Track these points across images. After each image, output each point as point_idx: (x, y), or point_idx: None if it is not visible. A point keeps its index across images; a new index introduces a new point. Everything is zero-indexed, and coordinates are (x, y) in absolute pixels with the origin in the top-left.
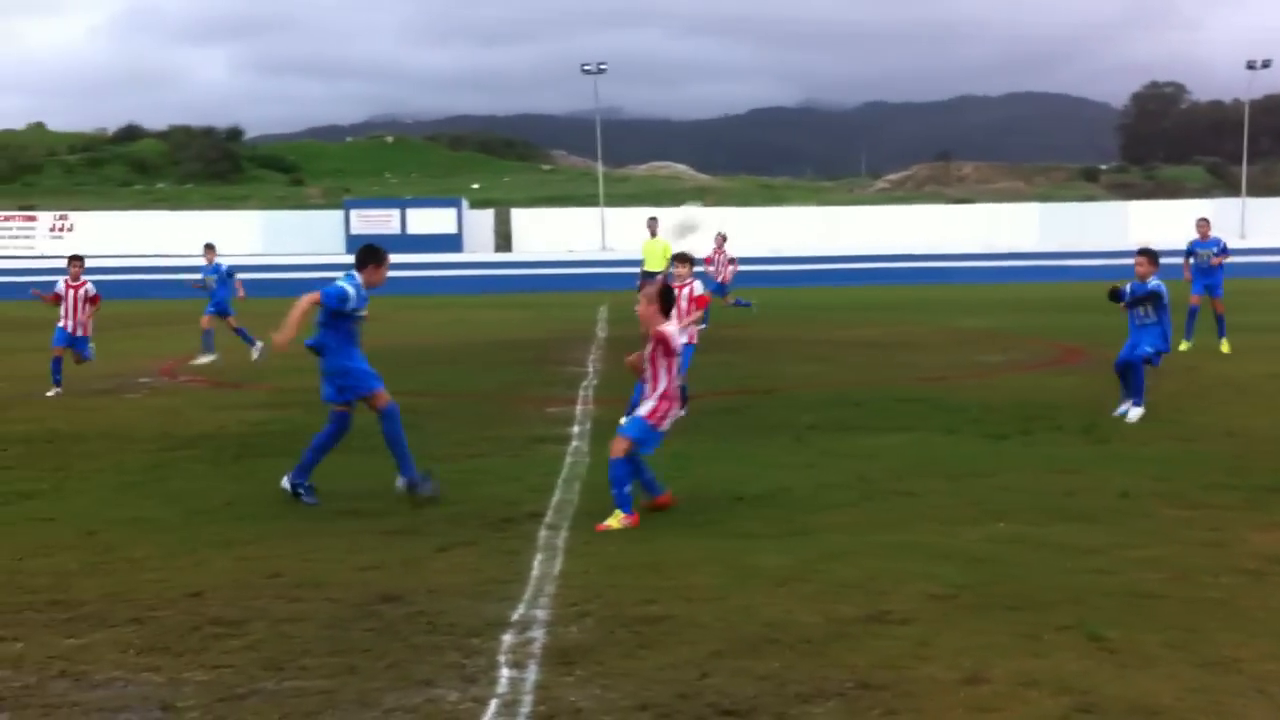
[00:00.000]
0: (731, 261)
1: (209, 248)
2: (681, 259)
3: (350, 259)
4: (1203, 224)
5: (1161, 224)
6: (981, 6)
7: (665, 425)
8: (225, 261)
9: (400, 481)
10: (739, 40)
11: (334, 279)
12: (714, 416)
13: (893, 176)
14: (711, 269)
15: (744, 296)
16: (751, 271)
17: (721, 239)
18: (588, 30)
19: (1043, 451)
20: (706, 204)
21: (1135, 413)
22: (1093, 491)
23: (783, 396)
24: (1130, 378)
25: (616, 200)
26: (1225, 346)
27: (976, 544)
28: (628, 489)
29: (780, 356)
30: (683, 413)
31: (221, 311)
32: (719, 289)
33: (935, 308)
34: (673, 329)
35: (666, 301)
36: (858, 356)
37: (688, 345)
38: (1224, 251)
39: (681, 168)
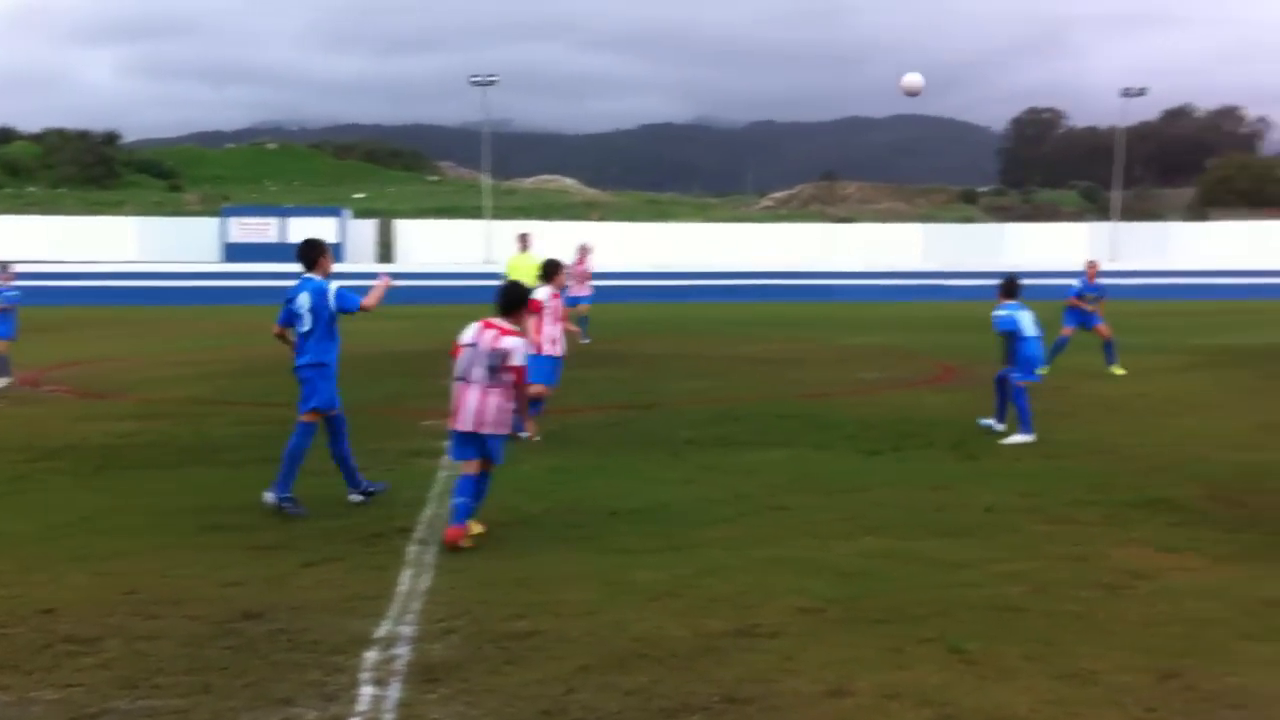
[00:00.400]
0: (586, 276)
1: (4, 267)
2: (551, 269)
3: (228, 267)
4: (1091, 266)
5: (1036, 246)
6: (874, 31)
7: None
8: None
9: (271, 496)
10: (636, 56)
11: (206, 287)
12: (594, 431)
13: (778, 195)
14: (570, 282)
15: (588, 324)
16: (637, 287)
17: (584, 251)
18: (488, 42)
19: (915, 467)
20: (593, 219)
21: (1016, 439)
22: (961, 507)
23: (665, 412)
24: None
25: (504, 213)
26: (1118, 369)
27: (847, 558)
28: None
29: (664, 372)
30: (525, 435)
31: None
32: (572, 301)
33: (818, 325)
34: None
35: (506, 302)
36: (741, 372)
37: (551, 357)
38: (1102, 296)
39: (570, 182)
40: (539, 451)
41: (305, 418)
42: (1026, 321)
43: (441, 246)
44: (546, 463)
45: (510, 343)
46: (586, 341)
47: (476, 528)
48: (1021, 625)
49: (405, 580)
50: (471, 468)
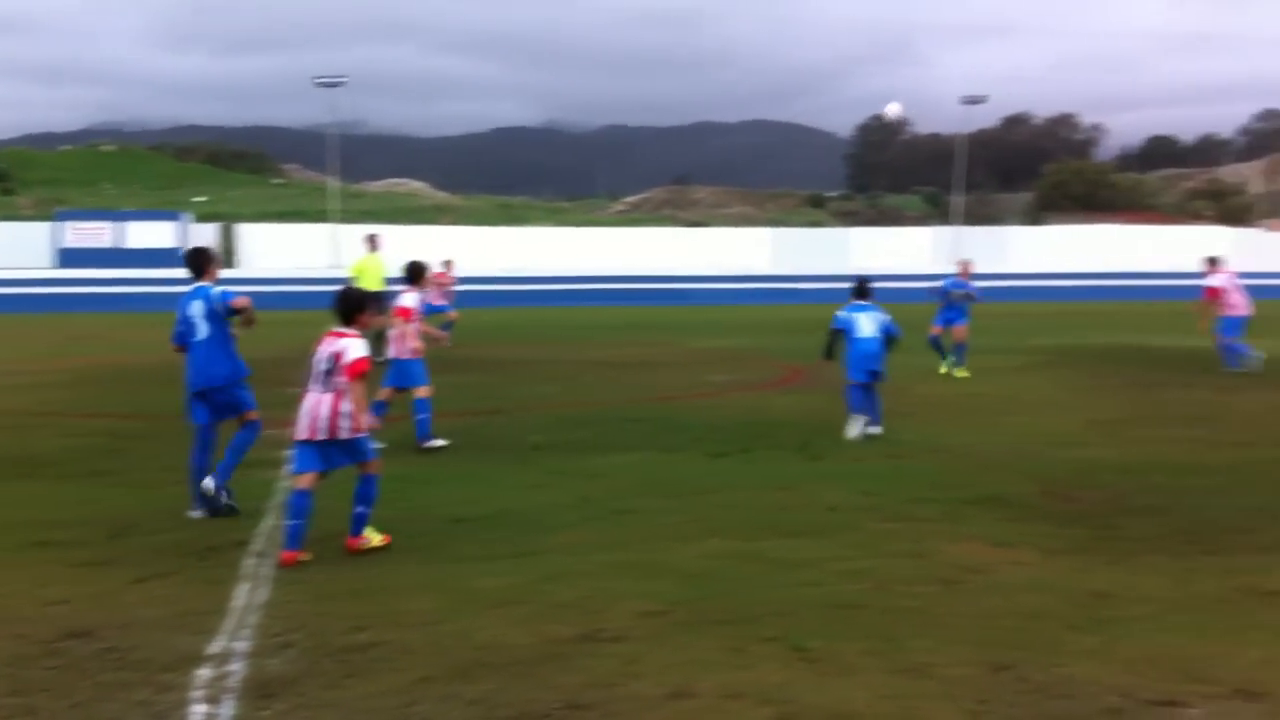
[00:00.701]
0: (447, 288)
1: None
2: (416, 271)
3: (62, 274)
4: (965, 264)
5: (882, 250)
6: (726, 38)
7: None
8: None
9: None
10: (487, 59)
11: (54, 293)
12: (443, 437)
13: (630, 199)
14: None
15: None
16: (489, 291)
17: (450, 265)
18: (337, 43)
19: (760, 469)
20: (444, 223)
21: (858, 431)
22: (805, 507)
23: (513, 417)
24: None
25: (352, 216)
26: (960, 372)
27: (692, 560)
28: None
29: (514, 377)
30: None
31: None
32: (429, 309)
33: (669, 329)
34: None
35: (344, 309)
36: (591, 377)
37: (407, 360)
38: (972, 297)
39: (420, 185)
40: (394, 459)
41: (253, 416)
42: (862, 323)
43: (286, 251)
44: (389, 470)
45: (343, 343)
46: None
47: (377, 538)
48: (861, 622)
49: (241, 594)
50: (306, 481)
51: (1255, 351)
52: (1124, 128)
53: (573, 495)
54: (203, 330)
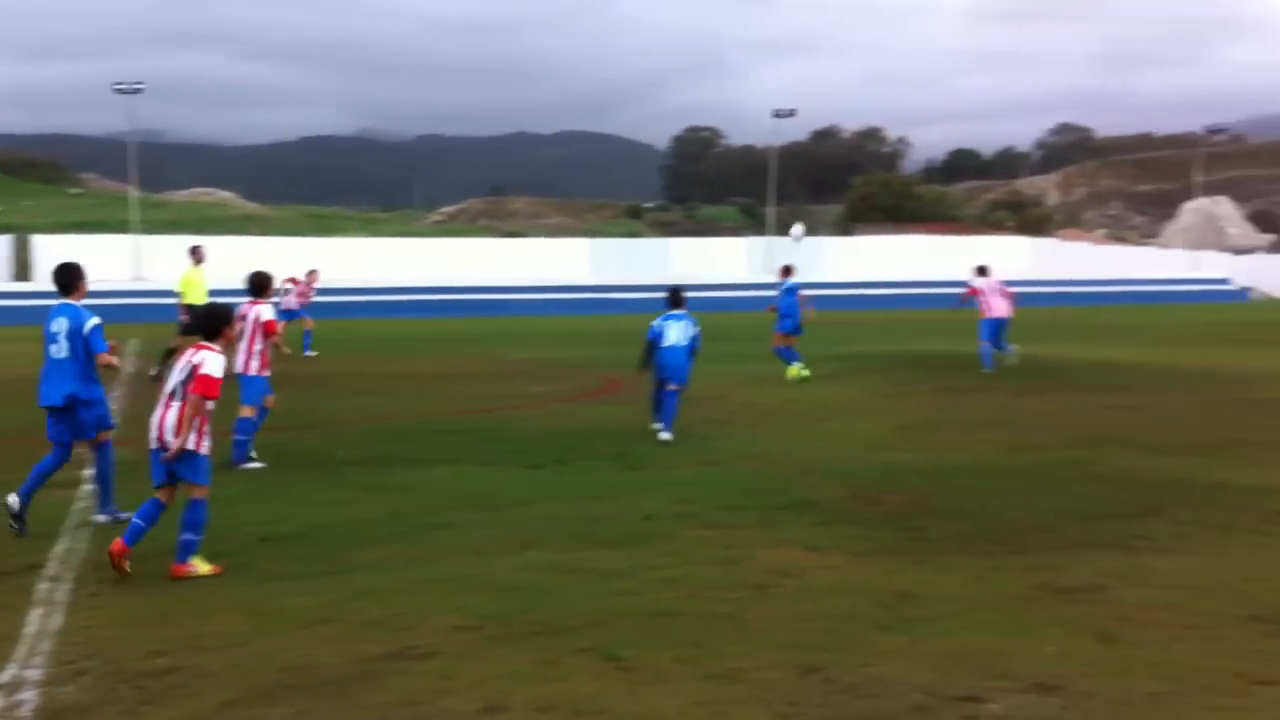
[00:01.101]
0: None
1: None
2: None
3: None
4: (785, 271)
5: (699, 260)
6: (541, 51)
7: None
8: None
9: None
10: (296, 68)
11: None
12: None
13: (447, 209)
14: (288, 299)
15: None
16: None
17: (314, 275)
18: (139, 51)
19: (577, 480)
20: (253, 233)
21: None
22: (620, 517)
23: (325, 431)
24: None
25: (154, 227)
26: (804, 371)
27: (506, 573)
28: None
29: (328, 390)
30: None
31: None
32: (288, 315)
33: (487, 340)
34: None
35: (208, 326)
36: (407, 389)
37: (254, 376)
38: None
39: (227, 194)
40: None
41: (104, 437)
42: (670, 332)
43: (85, 263)
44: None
45: (202, 355)
46: (311, 354)
47: (205, 567)
48: (675, 629)
49: (34, 620)
50: (161, 494)
51: (1010, 347)
52: (928, 141)
53: (384, 510)
54: (63, 349)
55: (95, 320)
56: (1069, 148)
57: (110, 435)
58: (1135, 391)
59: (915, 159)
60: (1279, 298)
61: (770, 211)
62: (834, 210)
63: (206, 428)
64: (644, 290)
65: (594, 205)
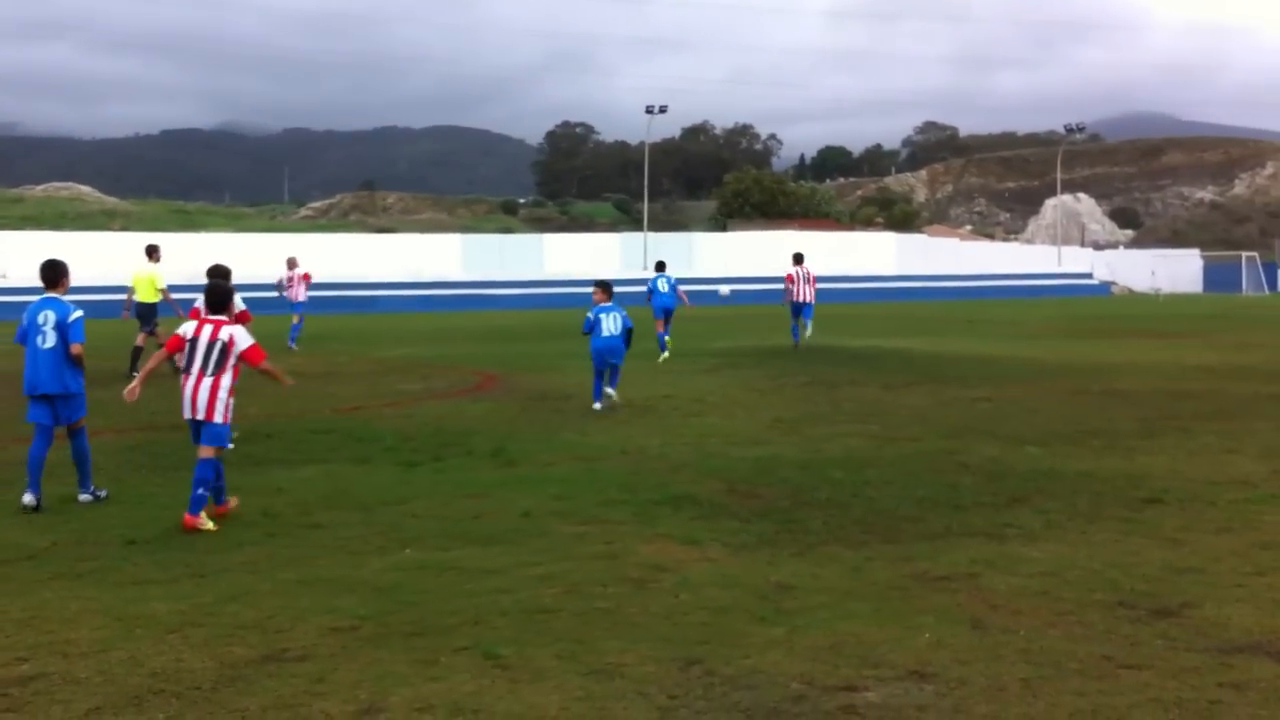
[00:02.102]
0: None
1: None
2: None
3: None
4: (659, 265)
5: (574, 256)
6: (410, 42)
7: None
8: None
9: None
10: (154, 60)
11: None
12: (112, 455)
13: (316, 204)
14: (290, 291)
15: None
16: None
17: (293, 263)
18: None
19: (453, 477)
20: (114, 229)
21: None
22: (497, 514)
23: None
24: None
25: (10, 222)
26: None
27: (381, 573)
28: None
29: None
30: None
31: None
32: (297, 308)
33: (357, 337)
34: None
35: (217, 301)
36: (273, 387)
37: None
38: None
39: (86, 189)
40: (49, 479)
41: (80, 424)
42: (606, 323)
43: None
44: (54, 491)
45: (228, 331)
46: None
47: (210, 524)
48: (553, 626)
49: None
50: (204, 452)
51: (809, 328)
52: (797, 139)
53: (254, 511)
54: (50, 340)
55: (78, 313)
56: (935, 146)
57: (84, 422)
58: (1002, 384)
59: (786, 156)
60: (1139, 291)
61: (644, 207)
62: (708, 206)
63: (232, 400)
64: (518, 286)
65: (467, 201)
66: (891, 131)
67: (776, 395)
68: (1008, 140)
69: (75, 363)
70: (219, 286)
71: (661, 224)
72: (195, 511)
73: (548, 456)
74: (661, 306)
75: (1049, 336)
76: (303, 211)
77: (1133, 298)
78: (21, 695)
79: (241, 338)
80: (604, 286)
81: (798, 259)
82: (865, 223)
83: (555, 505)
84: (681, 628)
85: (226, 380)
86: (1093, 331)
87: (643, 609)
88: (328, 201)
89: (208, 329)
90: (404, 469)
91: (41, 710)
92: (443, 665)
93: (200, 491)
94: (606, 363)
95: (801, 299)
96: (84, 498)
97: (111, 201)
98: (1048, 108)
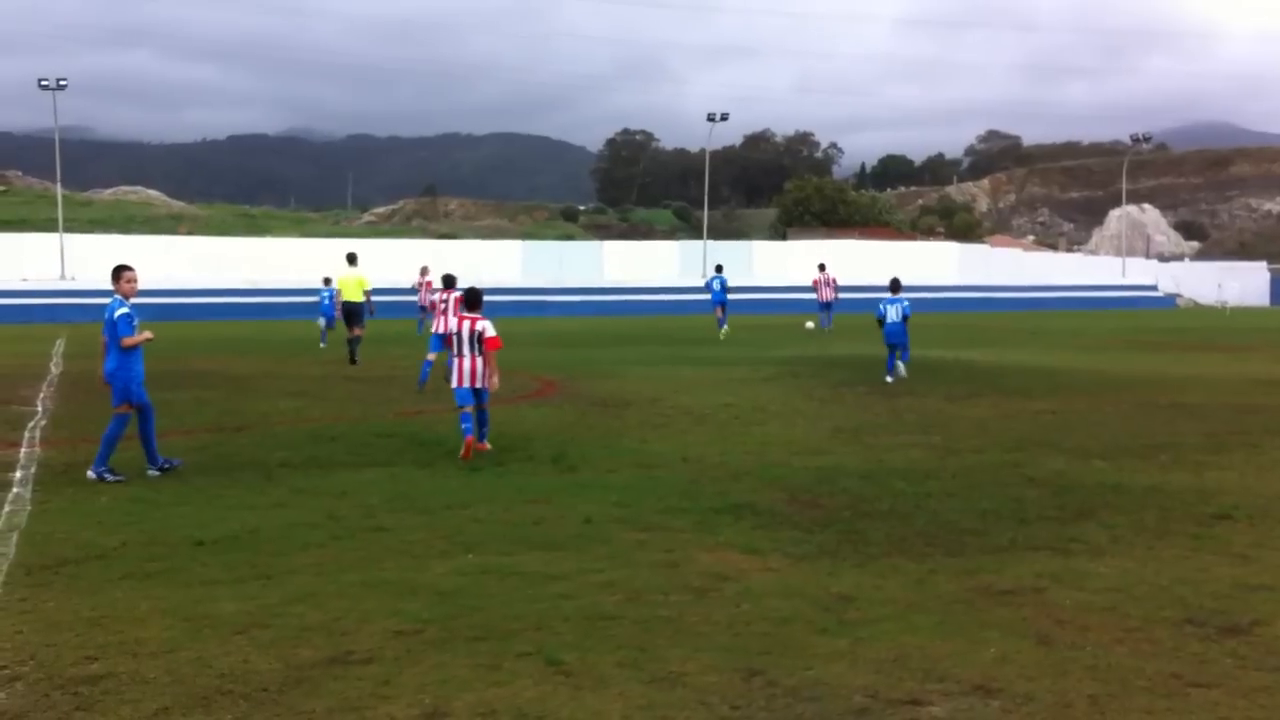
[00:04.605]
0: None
1: None
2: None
3: None
4: (718, 267)
5: (634, 263)
6: (475, 50)
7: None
8: None
9: (92, 472)
10: (224, 66)
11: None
12: (180, 456)
13: (380, 210)
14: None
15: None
16: (229, 304)
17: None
18: (68, 48)
19: (514, 482)
20: (181, 232)
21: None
22: (559, 519)
23: (256, 434)
24: None
25: (79, 226)
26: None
27: (445, 577)
28: None
29: (259, 392)
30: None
31: None
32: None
33: (420, 341)
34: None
35: (475, 300)
36: (339, 391)
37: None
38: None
39: (154, 193)
40: (119, 480)
41: (118, 410)
42: (889, 311)
43: (8, 263)
44: (126, 492)
45: (483, 324)
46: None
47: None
48: (615, 633)
49: None
50: (468, 408)
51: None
52: (859, 147)
53: (319, 513)
54: (108, 334)
55: (123, 309)
56: (998, 155)
57: (128, 409)
58: (1067, 396)
59: (847, 164)
60: (1205, 304)
61: (704, 215)
62: (767, 214)
63: (491, 367)
64: (577, 294)
65: (527, 207)
66: (954, 141)
67: (837, 404)
68: (1071, 150)
69: (124, 353)
70: (474, 291)
71: (721, 232)
72: (482, 439)
73: (608, 463)
74: (717, 301)
75: (1113, 349)
76: (366, 217)
77: (1198, 310)
78: (91, 694)
79: (489, 329)
80: (892, 285)
81: (821, 267)
82: (926, 231)
83: (616, 512)
84: (743, 637)
85: (481, 359)
86: (1158, 344)
87: (704, 618)
88: (390, 207)
89: (467, 324)
90: (466, 473)
91: (110, 709)
92: (506, 670)
93: (486, 429)
94: (891, 344)
95: (825, 299)
96: (90, 474)
97: (178, 205)
98: (1113, 117)
